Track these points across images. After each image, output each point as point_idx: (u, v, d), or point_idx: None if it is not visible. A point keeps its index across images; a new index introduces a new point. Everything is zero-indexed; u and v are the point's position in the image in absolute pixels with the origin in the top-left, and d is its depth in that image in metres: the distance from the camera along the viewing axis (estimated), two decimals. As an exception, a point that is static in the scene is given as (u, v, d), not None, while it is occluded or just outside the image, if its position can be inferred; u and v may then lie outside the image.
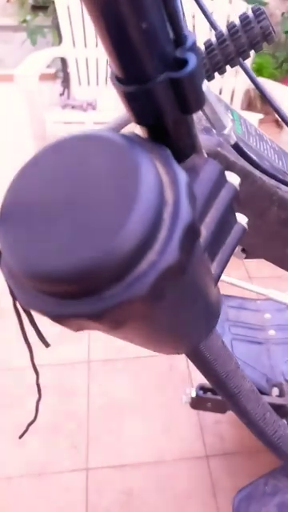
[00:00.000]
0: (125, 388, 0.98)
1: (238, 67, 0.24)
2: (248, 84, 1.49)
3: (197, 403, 0.63)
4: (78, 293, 0.12)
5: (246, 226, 0.19)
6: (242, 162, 0.24)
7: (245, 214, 0.19)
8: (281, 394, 0.62)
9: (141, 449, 0.87)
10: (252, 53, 0.22)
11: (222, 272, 0.17)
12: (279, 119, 0.28)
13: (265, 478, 0.58)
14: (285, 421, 0.29)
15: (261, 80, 1.60)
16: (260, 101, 1.82)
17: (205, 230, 0.15)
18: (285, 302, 0.47)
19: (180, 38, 0.13)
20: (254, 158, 0.23)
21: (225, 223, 0.17)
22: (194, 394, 0.63)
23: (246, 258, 0.34)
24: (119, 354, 1.04)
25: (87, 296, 0.12)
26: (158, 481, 0.82)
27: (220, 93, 1.52)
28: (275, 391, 0.63)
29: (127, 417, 0.93)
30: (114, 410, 0.94)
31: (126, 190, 0.12)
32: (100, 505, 0.79)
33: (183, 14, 0.17)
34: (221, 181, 0.16)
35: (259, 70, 1.84)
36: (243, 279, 0.99)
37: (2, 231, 0.13)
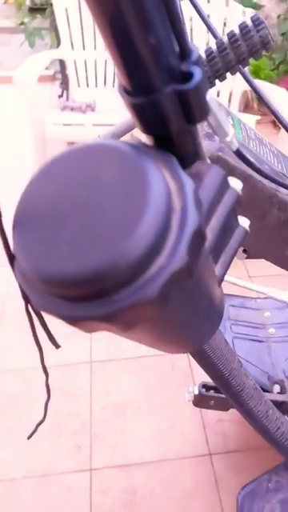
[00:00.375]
0: (127, 388, 0.99)
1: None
2: (245, 86, 1.49)
3: (200, 401, 0.64)
4: (90, 296, 0.13)
5: (247, 228, 0.19)
6: (242, 166, 0.25)
7: (246, 217, 0.19)
8: (282, 391, 0.62)
9: (144, 448, 0.88)
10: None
11: (225, 273, 0.18)
12: (276, 120, 0.28)
13: (268, 475, 0.59)
14: (287, 417, 0.30)
15: (257, 82, 1.60)
16: (257, 102, 1.83)
17: (209, 234, 0.16)
18: (284, 300, 0.48)
19: (185, 52, 0.14)
20: (255, 162, 0.24)
21: (228, 226, 0.17)
22: (196, 392, 0.63)
23: (246, 258, 0.35)
24: (121, 354, 1.05)
25: (99, 298, 0.12)
26: (161, 480, 0.83)
27: (218, 95, 1.53)
28: (276, 388, 0.63)
29: (130, 416, 0.93)
30: (116, 410, 0.94)
31: (135, 197, 0.13)
32: (104, 505, 0.80)
33: (183, 21, 0.18)
34: (224, 186, 0.17)
35: (256, 72, 1.85)
36: (243, 278, 1.00)
37: (16, 236, 0.14)
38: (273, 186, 0.28)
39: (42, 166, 0.15)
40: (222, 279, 0.18)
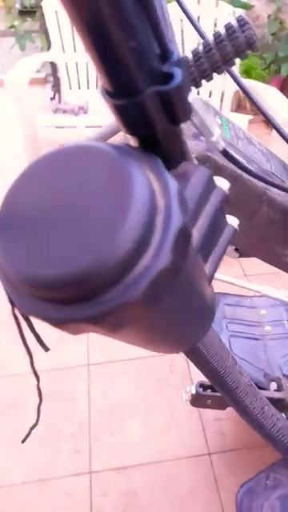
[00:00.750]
0: (125, 390, 0.98)
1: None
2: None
3: (197, 401, 0.64)
4: (75, 298, 0.12)
5: (236, 227, 0.19)
6: (231, 165, 0.25)
7: (236, 216, 0.19)
8: (279, 389, 0.63)
9: (143, 449, 0.88)
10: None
11: (215, 271, 0.18)
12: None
13: (266, 473, 0.59)
14: (283, 414, 0.30)
15: (249, 82, 1.61)
16: (249, 102, 1.84)
17: (197, 233, 0.16)
18: (279, 298, 0.48)
19: (166, 53, 0.14)
20: (243, 161, 0.24)
21: (216, 225, 0.17)
22: (193, 392, 0.63)
23: (239, 257, 0.35)
24: (118, 355, 1.05)
25: (85, 301, 0.12)
26: (161, 480, 0.83)
27: (210, 95, 1.54)
28: (273, 386, 0.64)
29: (128, 418, 0.93)
30: (114, 412, 0.94)
31: (119, 199, 0.13)
32: (104, 507, 0.79)
33: (170, 23, 0.18)
34: (210, 186, 0.17)
35: (247, 72, 1.86)
36: (239, 277, 1.00)
37: None
38: (262, 184, 0.28)
39: (25, 168, 0.15)
40: (211, 277, 0.18)
